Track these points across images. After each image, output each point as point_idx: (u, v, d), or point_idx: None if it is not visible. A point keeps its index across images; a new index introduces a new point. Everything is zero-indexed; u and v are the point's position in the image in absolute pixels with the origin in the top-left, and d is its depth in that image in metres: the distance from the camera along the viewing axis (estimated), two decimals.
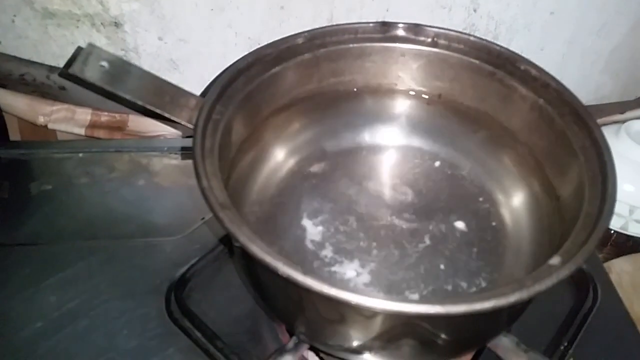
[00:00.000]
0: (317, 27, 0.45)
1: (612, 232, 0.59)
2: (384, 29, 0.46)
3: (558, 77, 0.43)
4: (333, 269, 0.41)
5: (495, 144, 0.47)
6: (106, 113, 0.61)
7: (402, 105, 0.50)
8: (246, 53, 0.43)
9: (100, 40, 0.56)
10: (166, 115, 0.39)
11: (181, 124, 0.38)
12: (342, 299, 0.28)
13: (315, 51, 0.45)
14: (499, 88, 0.45)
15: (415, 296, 0.39)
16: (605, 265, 0.54)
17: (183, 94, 0.40)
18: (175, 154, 0.57)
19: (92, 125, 0.61)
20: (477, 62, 0.45)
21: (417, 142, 0.50)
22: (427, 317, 0.30)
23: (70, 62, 0.56)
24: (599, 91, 0.70)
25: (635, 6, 0.62)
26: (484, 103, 0.47)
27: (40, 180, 0.54)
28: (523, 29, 0.61)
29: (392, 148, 0.50)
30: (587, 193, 0.36)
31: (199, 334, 0.41)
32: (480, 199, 0.46)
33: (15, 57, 0.58)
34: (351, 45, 0.46)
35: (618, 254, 0.57)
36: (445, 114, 0.49)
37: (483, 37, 0.46)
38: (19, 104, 0.60)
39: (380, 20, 0.47)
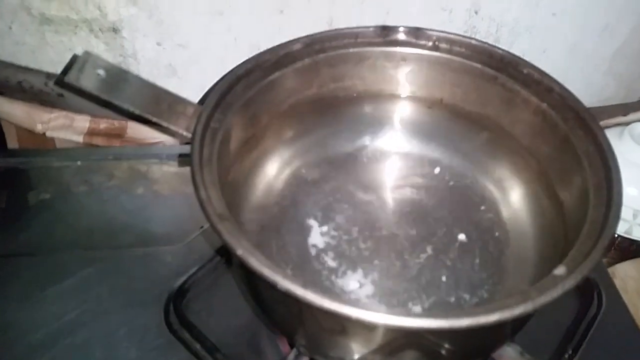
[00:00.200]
0: (316, 31, 0.45)
1: (616, 236, 0.58)
2: (385, 33, 0.46)
3: (561, 80, 0.42)
4: (336, 279, 0.41)
5: (498, 149, 0.47)
6: (105, 120, 0.60)
7: (403, 111, 0.49)
8: (246, 58, 0.42)
9: (99, 47, 0.56)
10: (164, 123, 0.38)
11: (179, 133, 0.38)
12: (343, 313, 0.27)
13: (314, 56, 0.45)
14: (501, 92, 0.44)
15: (418, 308, 0.39)
16: (609, 270, 0.54)
17: (180, 102, 0.39)
18: (174, 161, 0.57)
19: (91, 133, 0.60)
20: (479, 66, 0.45)
21: (418, 148, 0.49)
22: (431, 331, 0.30)
23: (66, 70, 0.55)
24: (602, 93, 0.69)
25: (638, 7, 0.62)
26: (486, 107, 0.46)
27: (39, 189, 0.53)
28: (525, 31, 0.60)
29: (393, 154, 0.49)
30: (592, 199, 0.35)
31: (198, 346, 0.40)
32: (483, 207, 0.46)
33: (12, 64, 0.58)
34: (351, 50, 0.46)
35: (622, 258, 0.57)
36: (447, 119, 0.48)
37: (484, 40, 0.45)
38: (16, 111, 0.59)
39: (380, 24, 0.46)
